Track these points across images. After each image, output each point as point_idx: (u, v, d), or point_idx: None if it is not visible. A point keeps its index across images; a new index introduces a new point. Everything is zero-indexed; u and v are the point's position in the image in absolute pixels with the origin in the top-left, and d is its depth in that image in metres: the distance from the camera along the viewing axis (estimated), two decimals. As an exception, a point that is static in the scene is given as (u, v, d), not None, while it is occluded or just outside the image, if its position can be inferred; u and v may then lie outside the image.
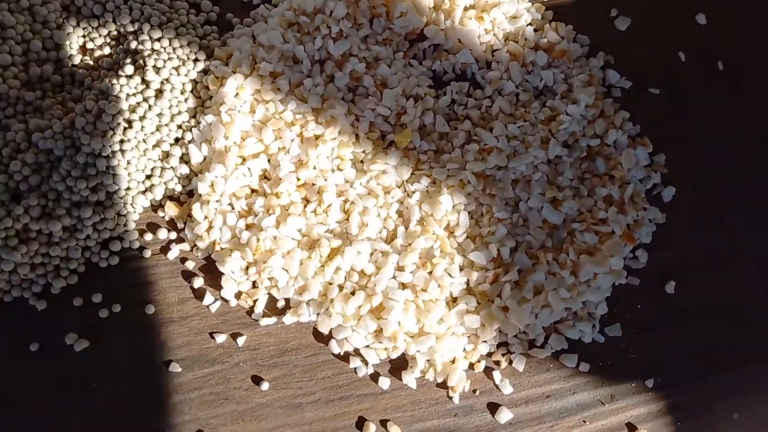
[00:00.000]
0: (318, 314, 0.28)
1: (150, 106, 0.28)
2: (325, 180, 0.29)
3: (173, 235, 0.29)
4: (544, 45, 0.31)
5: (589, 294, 0.28)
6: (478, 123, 0.31)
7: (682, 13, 0.33)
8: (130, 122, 0.28)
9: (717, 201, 0.31)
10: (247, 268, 0.28)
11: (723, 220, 0.31)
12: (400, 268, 0.28)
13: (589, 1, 0.33)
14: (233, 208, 0.29)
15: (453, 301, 0.29)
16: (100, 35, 0.30)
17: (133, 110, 0.28)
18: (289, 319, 0.28)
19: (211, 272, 0.29)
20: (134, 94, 0.29)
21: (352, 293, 0.28)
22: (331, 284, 0.28)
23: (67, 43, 0.30)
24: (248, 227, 0.28)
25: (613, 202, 0.29)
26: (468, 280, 0.28)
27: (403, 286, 0.28)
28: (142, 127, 0.28)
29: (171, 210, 0.29)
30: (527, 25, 0.32)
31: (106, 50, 0.30)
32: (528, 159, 0.29)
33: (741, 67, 0.33)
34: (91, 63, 0.30)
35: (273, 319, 0.29)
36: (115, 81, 0.28)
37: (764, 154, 0.32)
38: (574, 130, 0.30)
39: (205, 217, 0.28)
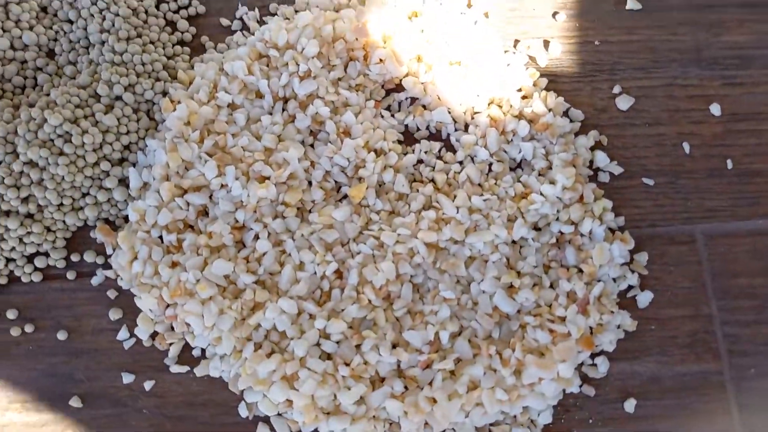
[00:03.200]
0: (229, 371, 0.26)
1: (96, 122, 0.27)
2: (264, 226, 0.27)
3: (101, 260, 0.28)
4: (529, 115, 0.28)
5: (531, 399, 0.25)
6: (442, 189, 0.28)
7: (693, 102, 0.30)
8: (70, 135, 0.27)
9: (704, 319, 0.27)
10: (166, 308, 0.26)
11: (711, 342, 0.27)
12: (325, 336, 0.26)
13: (590, 73, 0.30)
14: (162, 242, 0.27)
15: (379, 381, 0.26)
16: (70, 41, 0.30)
17: (77, 123, 0.27)
18: (200, 370, 0.26)
19: (132, 306, 0.27)
20: (83, 107, 0.27)
21: (268, 355, 0.26)
22: (248, 340, 0.26)
23: (35, 45, 0.29)
24: (173, 265, 0.26)
25: (576, 300, 0.26)
26: (398, 361, 0.26)
27: (326, 356, 0.26)
28: (83, 142, 0.27)
29: (101, 233, 0.27)
30: (516, 91, 0.29)
31: (72, 57, 0.29)
32: (488, 237, 0.27)
33: (759, 174, 0.29)
34: (56, 68, 0.29)
35: (185, 368, 0.27)
36: (65, 89, 0.27)
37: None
38: (546, 212, 0.27)
39: (131, 247, 0.27)
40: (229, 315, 0.26)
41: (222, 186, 0.27)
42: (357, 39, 0.29)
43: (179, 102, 0.28)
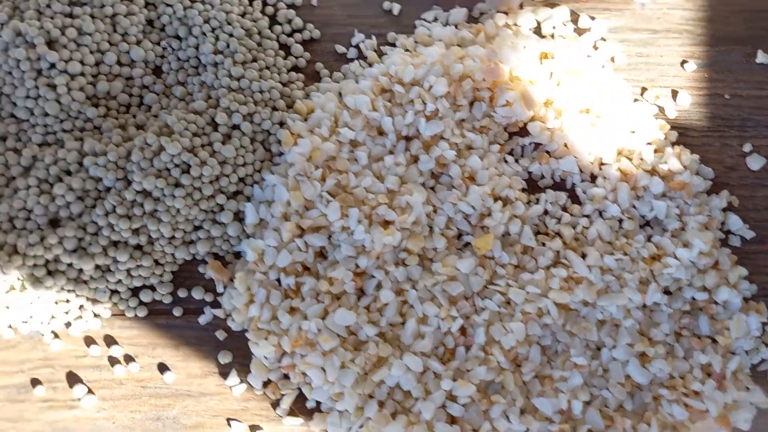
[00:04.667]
0: (350, 429, 0.25)
1: (214, 152, 0.26)
2: (386, 274, 0.26)
3: (209, 297, 0.26)
4: (663, 172, 0.27)
5: (663, 478, 0.24)
6: (570, 244, 0.27)
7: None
8: (189, 166, 0.25)
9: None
10: (282, 356, 0.25)
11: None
12: (452, 398, 0.24)
13: (719, 128, 0.29)
14: (280, 285, 0.26)
15: (503, 448, 0.25)
16: (178, 59, 0.28)
17: (194, 152, 0.25)
18: (316, 424, 0.25)
19: (242, 349, 0.26)
20: (200, 135, 0.26)
21: (393, 415, 0.24)
22: (371, 398, 0.25)
23: (143, 61, 0.28)
24: (291, 311, 0.25)
25: (711, 374, 0.25)
26: (527, 429, 0.24)
27: (452, 420, 0.24)
28: (202, 174, 0.25)
29: (213, 270, 0.26)
30: (647, 144, 0.28)
31: (181, 77, 0.28)
32: (622, 300, 0.25)
33: None
34: (163, 88, 0.28)
35: (299, 420, 0.25)
36: (181, 115, 0.26)
37: None
38: (680, 277, 0.26)
39: (248, 289, 0.25)
40: (352, 370, 0.24)
41: (343, 228, 0.26)
42: (485, 79, 0.27)
43: (300, 136, 0.26)
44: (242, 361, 0.26)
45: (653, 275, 0.26)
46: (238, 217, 0.26)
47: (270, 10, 0.29)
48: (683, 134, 0.29)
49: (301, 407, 0.25)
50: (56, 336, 0.26)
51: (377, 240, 0.25)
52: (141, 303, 0.26)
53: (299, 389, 0.25)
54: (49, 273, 0.25)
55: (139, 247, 0.26)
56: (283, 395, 0.25)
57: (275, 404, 0.25)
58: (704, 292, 0.26)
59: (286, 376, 0.25)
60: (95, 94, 0.27)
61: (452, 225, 0.27)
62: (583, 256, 0.26)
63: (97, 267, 0.25)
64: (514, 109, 0.28)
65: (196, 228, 0.26)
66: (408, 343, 0.25)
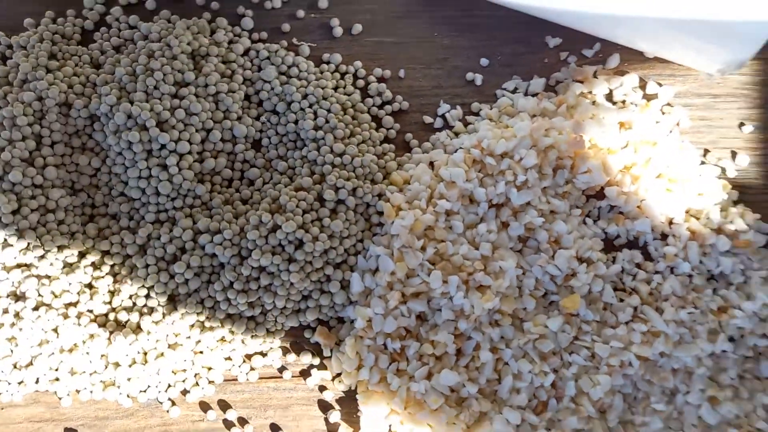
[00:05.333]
0: (456, 480, 0.27)
1: (323, 227, 0.27)
2: (483, 335, 0.28)
3: (316, 361, 0.28)
4: (729, 231, 0.30)
5: None
6: (646, 300, 0.29)
7: None
8: (301, 242, 0.27)
9: None
10: (388, 415, 0.27)
11: None
12: (547, 449, 0.27)
13: (777, 187, 0.32)
14: (386, 349, 0.28)
15: (597, 490, 0.27)
16: (277, 134, 0.29)
17: (306, 229, 0.27)
18: (425, 478, 0.27)
19: (348, 407, 0.28)
20: (308, 211, 0.28)
21: (496, 466, 0.27)
22: (474, 453, 0.27)
23: (244, 137, 0.29)
24: (398, 373, 0.27)
25: (777, 416, 0.28)
26: (616, 473, 0.27)
27: (549, 470, 0.27)
28: (314, 249, 0.27)
29: (321, 336, 0.28)
30: (714, 204, 0.30)
31: (281, 151, 0.29)
32: (695, 350, 0.28)
33: None
34: (264, 162, 0.29)
35: (407, 473, 0.28)
36: (292, 193, 0.28)
37: None
38: (744, 326, 0.29)
39: (357, 354, 0.27)
40: (458, 426, 0.27)
41: (443, 294, 0.28)
42: (568, 149, 0.29)
43: (400, 208, 0.28)
44: (349, 419, 0.28)
45: (720, 326, 0.29)
46: (343, 285, 0.28)
47: (360, 83, 0.31)
48: (743, 193, 0.31)
49: (410, 460, 0.28)
50: (173, 403, 0.28)
51: (476, 305, 0.27)
52: (252, 369, 0.28)
53: (408, 446, 0.28)
54: (170, 346, 0.27)
55: (253, 318, 0.28)
56: (393, 452, 0.28)
57: (385, 459, 0.28)
58: (765, 339, 0.29)
59: (394, 432, 0.28)
60: (200, 171, 0.28)
61: (540, 286, 0.29)
62: (658, 310, 0.29)
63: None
64: (593, 176, 0.30)
65: (305, 298, 0.28)
66: (505, 398, 0.28)
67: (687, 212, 0.30)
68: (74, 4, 0.31)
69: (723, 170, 0.32)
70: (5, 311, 0.26)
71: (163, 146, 0.27)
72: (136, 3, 0.31)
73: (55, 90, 0.28)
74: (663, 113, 0.32)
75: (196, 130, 0.28)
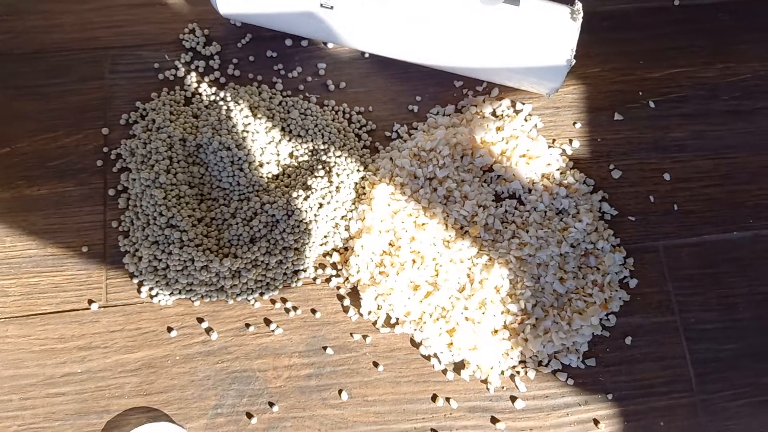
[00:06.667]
0: (415, 329, 0.48)
1: (333, 196, 0.49)
2: (426, 250, 0.49)
3: (334, 272, 0.49)
4: (565, 184, 0.51)
5: (577, 337, 0.48)
6: (520, 226, 0.50)
7: (654, 173, 0.53)
8: (321, 205, 0.49)
9: (665, 293, 0.50)
10: (377, 297, 0.48)
11: (669, 304, 0.50)
12: (466, 308, 0.48)
13: (596, 159, 0.53)
14: (372, 261, 0.49)
15: (495, 331, 0.48)
16: (304, 149, 0.51)
17: (323, 197, 0.49)
18: (398, 330, 0.48)
19: (354, 296, 0.49)
20: (324, 188, 0.49)
21: (436, 319, 0.47)
22: (424, 312, 0.48)
23: (285, 151, 0.51)
24: (380, 274, 0.48)
25: (597, 284, 0.49)
26: (505, 320, 0.48)
27: (467, 318, 0.48)
28: (329, 209, 0.48)
29: (335, 257, 0.49)
30: (556, 170, 0.52)
31: (305, 157, 0.51)
32: (548, 252, 0.49)
33: (692, 212, 0.52)
34: (296, 164, 0.51)
35: (388, 329, 0.48)
36: (312, 179, 0.49)
37: (699, 265, 0.51)
38: (578, 237, 0.50)
39: (356, 264, 0.49)
40: (415, 298, 0.48)
41: (402, 230, 0.49)
42: (468, 144, 0.51)
43: (374, 183, 0.50)
44: (354, 302, 0.49)
45: (564, 238, 0.50)
46: (346, 228, 0.50)
47: (347, 116, 0.53)
48: (576, 163, 0.53)
49: (388, 323, 0.49)
50: (256, 300, 0.49)
51: (419, 234, 0.49)
52: (298, 279, 0.49)
53: (387, 314, 0.48)
54: (254, 266, 0.48)
55: (297, 249, 0.49)
56: (378, 317, 0.48)
57: (375, 323, 0.48)
58: (591, 244, 0.50)
59: (379, 307, 0.48)
60: (261, 171, 0.50)
61: (458, 223, 0.50)
62: (527, 232, 0.50)
63: (278, 262, 0.48)
64: (484, 159, 0.51)
65: (325, 236, 0.49)
66: (441, 284, 0.48)
67: (542, 175, 0.52)
68: (177, 82, 0.53)
69: (564, 150, 0.53)
70: (162, 251, 0.48)
71: (240, 158, 0.49)
72: (214, 80, 0.54)
73: (177, 131, 0.50)
74: (526, 120, 0.54)
75: (259, 148, 0.50)
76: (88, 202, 0.50)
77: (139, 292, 0.48)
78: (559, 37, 0.48)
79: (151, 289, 0.48)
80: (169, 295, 0.48)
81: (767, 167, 0.53)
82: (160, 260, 0.48)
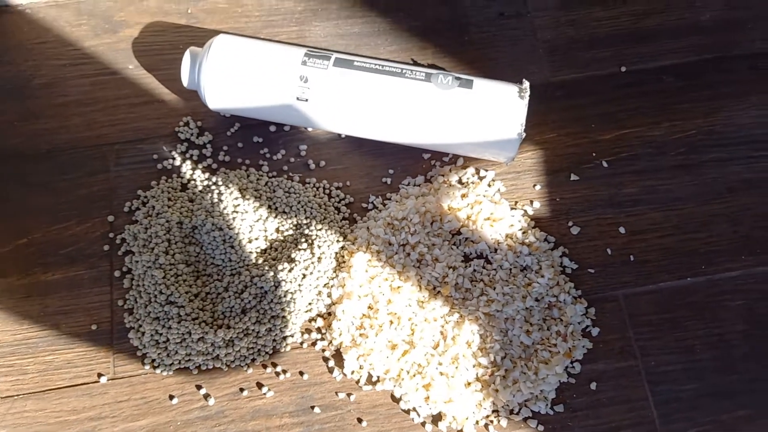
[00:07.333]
0: (394, 386, 0.52)
1: (315, 266, 0.54)
2: (402, 311, 0.54)
3: (318, 336, 0.54)
4: (528, 243, 0.56)
5: (544, 386, 0.51)
6: (488, 284, 0.55)
7: (611, 227, 0.58)
8: (304, 275, 0.54)
9: (626, 339, 0.54)
10: (358, 357, 0.53)
11: (630, 347, 0.54)
12: (440, 363, 0.52)
13: (555, 217, 0.58)
14: (353, 324, 0.53)
15: (468, 384, 0.52)
16: (289, 224, 0.57)
17: (306, 268, 0.54)
18: (379, 387, 0.52)
19: (338, 358, 0.53)
20: (306, 259, 0.54)
21: (413, 375, 0.52)
22: (402, 369, 0.52)
23: (271, 227, 0.57)
24: (361, 336, 0.53)
25: (561, 335, 0.53)
26: (477, 372, 0.52)
27: (441, 373, 0.52)
28: (312, 278, 0.54)
29: (320, 322, 0.54)
30: (518, 230, 0.57)
31: (290, 232, 0.57)
32: (514, 307, 0.53)
33: (648, 261, 0.57)
34: (282, 238, 0.57)
35: (370, 387, 0.53)
36: (296, 252, 0.55)
37: (659, 312, 0.55)
38: (541, 292, 0.54)
39: (338, 328, 0.53)
40: (393, 357, 0.52)
41: (379, 293, 0.54)
42: (436, 211, 0.56)
43: (352, 252, 0.55)
44: (338, 363, 0.53)
45: (528, 293, 0.54)
46: (329, 295, 0.55)
47: (327, 190, 0.58)
48: (537, 222, 0.58)
49: (370, 380, 0.53)
50: (249, 366, 0.53)
51: (395, 296, 0.53)
52: (286, 344, 0.54)
53: (368, 373, 0.53)
54: (246, 335, 0.53)
55: (284, 317, 0.54)
56: (361, 376, 0.53)
57: (358, 381, 0.53)
58: (554, 297, 0.54)
59: (360, 367, 0.53)
60: (250, 247, 0.56)
61: (430, 284, 0.55)
62: (494, 289, 0.54)
63: (267, 329, 0.53)
64: (452, 223, 0.57)
65: (309, 303, 0.54)
66: (417, 342, 0.53)
67: (506, 236, 0.57)
68: (174, 170, 0.60)
69: (525, 211, 0.58)
70: (162, 326, 0.53)
71: (231, 237, 0.55)
72: (207, 166, 0.60)
73: (174, 216, 0.56)
74: (489, 185, 0.59)
75: (248, 226, 0.56)
76: (97, 283, 0.55)
77: (143, 363, 0.53)
78: (509, 114, 0.54)
79: (153, 360, 0.53)
80: (170, 365, 0.53)
81: (715, 216, 0.58)
82: (161, 334, 0.53)
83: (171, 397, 0.52)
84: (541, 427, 0.51)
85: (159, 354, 0.53)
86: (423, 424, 0.52)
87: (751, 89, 0.62)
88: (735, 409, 0.52)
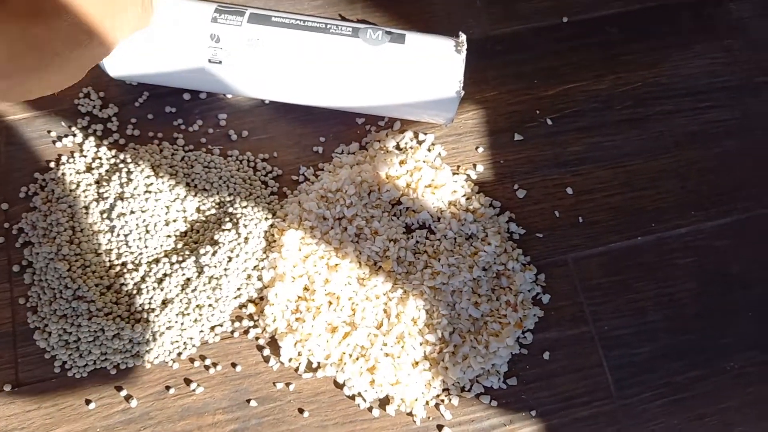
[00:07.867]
0: (337, 371, 0.48)
1: (241, 248, 0.49)
2: (341, 291, 0.49)
3: (251, 323, 0.49)
4: (472, 209, 0.52)
5: (495, 359, 0.49)
6: (432, 255, 0.51)
7: (557, 188, 0.55)
8: (230, 258, 0.49)
9: (578, 305, 0.52)
10: (296, 343, 0.48)
11: (582, 312, 0.52)
12: (385, 344, 0.48)
13: (500, 180, 0.55)
14: (288, 308, 0.49)
15: (416, 363, 0.49)
16: (210, 202, 0.51)
17: (232, 250, 0.49)
18: (320, 374, 0.48)
19: (274, 345, 0.49)
20: (232, 241, 0.49)
21: (356, 359, 0.48)
22: (344, 353, 0.48)
23: (191, 207, 0.51)
24: (297, 320, 0.49)
25: (511, 305, 0.50)
26: (425, 350, 0.48)
27: (386, 354, 0.48)
28: (239, 261, 0.48)
29: (251, 308, 0.49)
30: (462, 196, 0.53)
31: (213, 211, 0.51)
32: (461, 278, 0.50)
33: (597, 222, 0.54)
34: (204, 219, 0.51)
35: (310, 374, 0.48)
36: (219, 234, 0.49)
37: (611, 281, 0.53)
38: (488, 260, 0.51)
39: (272, 314, 0.49)
40: (333, 341, 0.48)
41: (315, 273, 0.49)
42: (373, 181, 0.52)
43: (283, 230, 0.50)
44: (274, 351, 0.49)
45: (475, 262, 0.51)
46: (259, 278, 0.50)
47: (252, 164, 0.53)
48: (481, 186, 0.54)
49: (310, 367, 0.49)
50: (174, 361, 0.48)
51: (333, 275, 0.49)
52: (216, 334, 0.49)
53: (308, 359, 0.49)
54: (169, 328, 0.48)
55: (211, 305, 0.49)
56: (299, 363, 0.48)
57: (297, 369, 0.48)
58: (502, 265, 0.51)
59: (299, 354, 0.49)
60: (168, 229, 0.50)
61: (370, 260, 0.51)
62: (439, 260, 0.51)
63: (194, 320, 0.48)
64: (391, 193, 0.52)
65: (238, 288, 0.49)
66: (358, 323, 0.49)
67: (449, 203, 0.53)
68: (76, 149, 0.53)
69: (468, 176, 0.55)
70: (71, 324, 0.47)
71: (145, 220, 0.49)
72: (114, 142, 0.53)
73: (78, 200, 0.49)
74: (429, 150, 0.55)
75: (164, 207, 0.50)
76: (-8, 281, 0.49)
77: (52, 367, 0.47)
78: (446, 70, 0.50)
79: (64, 363, 0.47)
80: (83, 367, 0.47)
81: (663, 171, 0.56)
82: (70, 333, 0.47)
83: (88, 402, 0.47)
84: (494, 403, 0.49)
85: (70, 355, 0.47)
86: (370, 409, 0.48)
87: (696, 38, 0.60)
88: (688, 370, 0.50)
